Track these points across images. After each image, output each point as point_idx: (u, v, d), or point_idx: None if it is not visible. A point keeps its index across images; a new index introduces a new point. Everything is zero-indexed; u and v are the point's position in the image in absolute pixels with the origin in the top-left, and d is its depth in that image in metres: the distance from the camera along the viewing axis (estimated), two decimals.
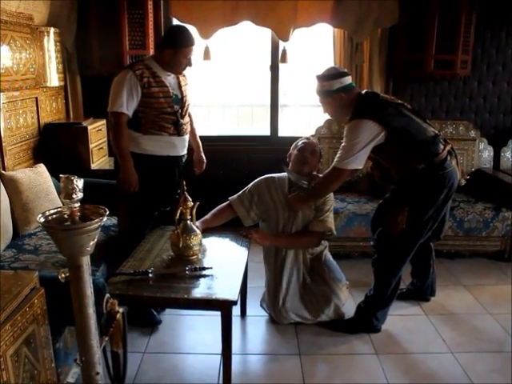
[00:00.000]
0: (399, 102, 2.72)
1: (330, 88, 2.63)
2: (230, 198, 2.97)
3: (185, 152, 3.01)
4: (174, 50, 2.74)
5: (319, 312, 2.88)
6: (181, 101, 2.87)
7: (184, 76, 3.00)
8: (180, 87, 2.90)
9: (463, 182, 2.83)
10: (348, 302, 3.00)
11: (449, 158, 2.64)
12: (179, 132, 2.87)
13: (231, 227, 2.94)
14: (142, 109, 2.77)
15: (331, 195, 2.90)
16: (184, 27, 2.91)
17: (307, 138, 3.00)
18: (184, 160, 3.04)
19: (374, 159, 2.84)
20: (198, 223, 2.71)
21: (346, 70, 2.78)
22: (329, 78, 2.65)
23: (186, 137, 2.98)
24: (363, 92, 2.76)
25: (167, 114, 2.81)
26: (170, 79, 2.85)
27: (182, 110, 2.89)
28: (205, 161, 3.26)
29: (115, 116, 2.74)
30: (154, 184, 2.87)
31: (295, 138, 3.06)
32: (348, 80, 2.66)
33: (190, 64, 2.84)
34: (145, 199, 2.86)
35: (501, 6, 4.12)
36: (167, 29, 3.22)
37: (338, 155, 2.61)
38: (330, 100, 2.68)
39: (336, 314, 2.91)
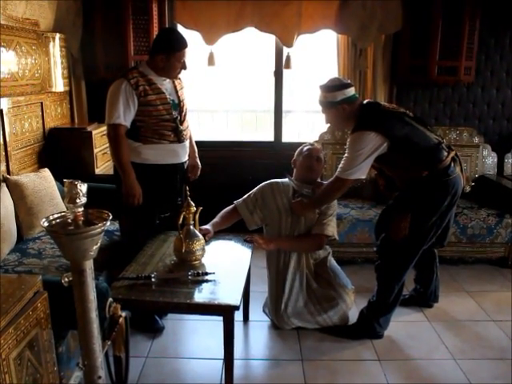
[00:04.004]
0: (401, 110, 2.72)
1: (334, 99, 2.64)
2: (235, 202, 3.00)
3: (186, 158, 2.97)
4: (167, 54, 2.67)
5: (323, 315, 2.88)
6: (178, 106, 2.82)
7: (180, 79, 2.93)
8: (176, 92, 2.85)
9: (468, 189, 2.82)
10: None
11: (453, 164, 2.64)
12: (179, 139, 2.82)
13: (235, 232, 2.95)
14: (140, 118, 2.71)
15: (335, 201, 2.91)
16: (175, 30, 2.82)
17: (311, 144, 3.01)
18: (186, 166, 3.01)
19: (377, 168, 2.85)
20: (208, 226, 2.78)
21: (349, 81, 2.77)
22: (332, 89, 2.65)
23: (187, 142, 2.93)
24: (365, 102, 2.76)
25: (166, 122, 2.75)
26: (165, 84, 2.79)
27: (181, 116, 2.83)
28: (200, 167, 3.17)
29: (113, 128, 2.68)
30: (156, 193, 2.83)
31: (299, 144, 3.07)
32: (351, 91, 2.66)
33: (184, 67, 2.76)
34: (147, 208, 2.81)
35: (505, 12, 4.13)
36: (158, 33, 3.16)
37: (340, 165, 2.63)
38: (332, 111, 2.69)
39: (341, 319, 2.91)
